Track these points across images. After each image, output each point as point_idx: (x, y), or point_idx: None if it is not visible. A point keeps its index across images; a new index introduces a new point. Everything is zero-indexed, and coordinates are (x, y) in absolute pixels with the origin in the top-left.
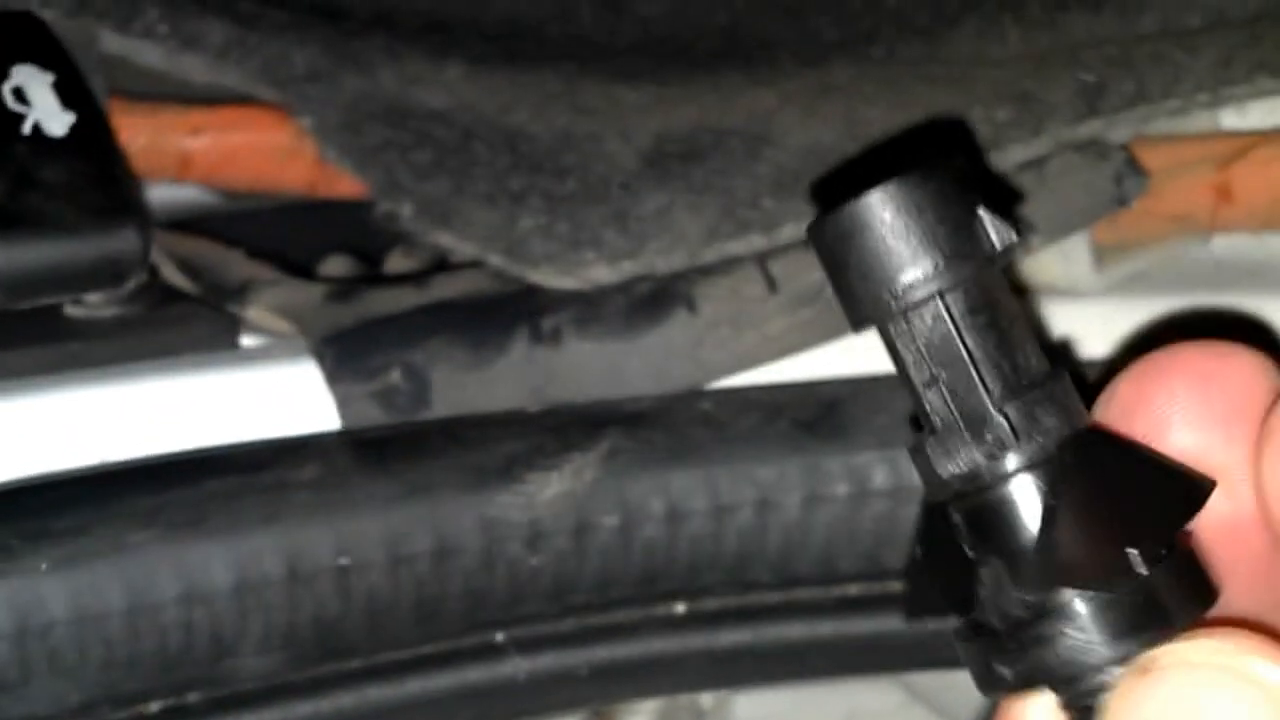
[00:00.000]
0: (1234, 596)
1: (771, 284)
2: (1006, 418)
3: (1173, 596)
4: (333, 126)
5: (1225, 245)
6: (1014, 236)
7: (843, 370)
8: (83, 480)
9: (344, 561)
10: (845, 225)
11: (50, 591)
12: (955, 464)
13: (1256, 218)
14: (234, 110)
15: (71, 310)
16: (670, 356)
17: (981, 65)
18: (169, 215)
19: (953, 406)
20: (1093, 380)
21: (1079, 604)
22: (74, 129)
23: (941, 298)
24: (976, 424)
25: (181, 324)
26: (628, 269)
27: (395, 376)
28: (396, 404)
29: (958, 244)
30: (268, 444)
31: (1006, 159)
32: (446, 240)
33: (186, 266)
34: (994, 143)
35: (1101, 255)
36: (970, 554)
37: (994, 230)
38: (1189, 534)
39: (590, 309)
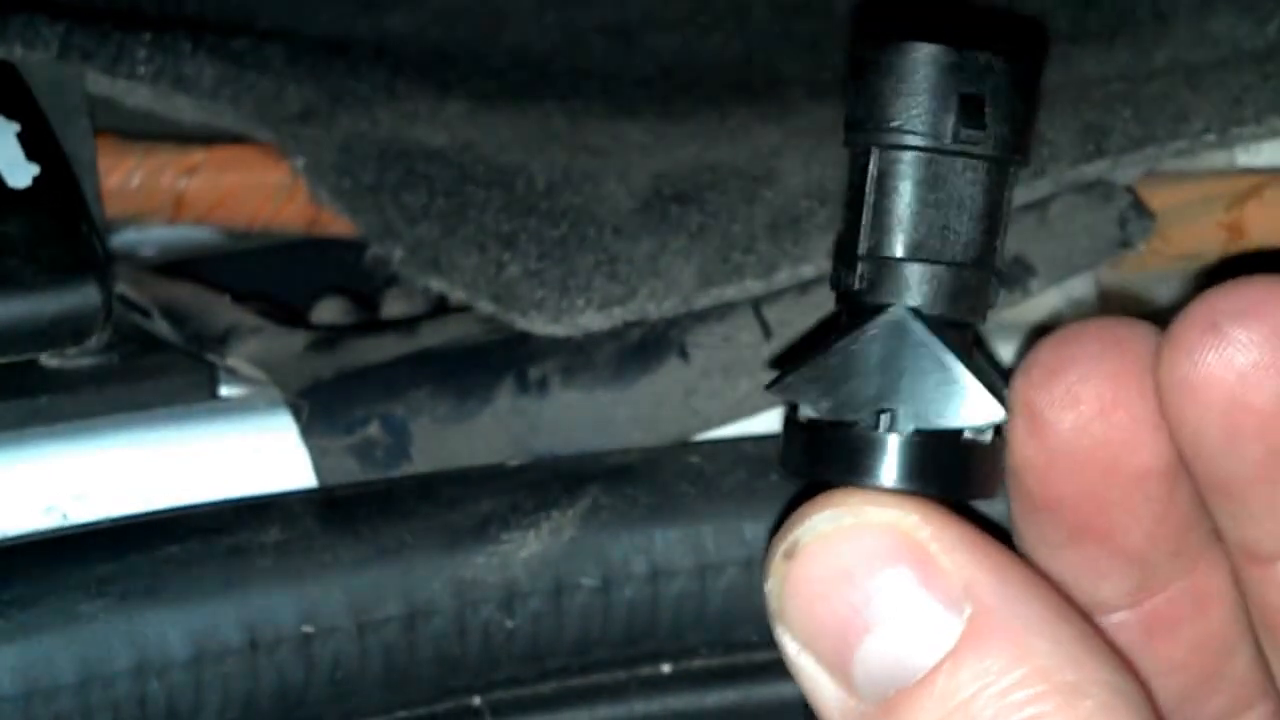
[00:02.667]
0: (1137, 544)
1: (766, 330)
2: (862, 264)
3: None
4: (325, 167)
5: None
6: (1018, 158)
7: None
8: (31, 547)
9: (308, 629)
10: (898, 56)
11: None
12: (835, 277)
13: None
14: (229, 149)
15: (47, 361)
16: (661, 406)
17: None
18: (165, 255)
19: (861, 233)
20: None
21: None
22: (37, 180)
23: (876, 153)
24: (843, 255)
25: (159, 374)
26: (619, 315)
27: (374, 430)
28: (374, 458)
29: (964, 127)
30: (229, 505)
31: None
32: (436, 285)
33: (171, 313)
34: None
35: (1107, 297)
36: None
37: (997, 137)
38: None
39: (579, 357)
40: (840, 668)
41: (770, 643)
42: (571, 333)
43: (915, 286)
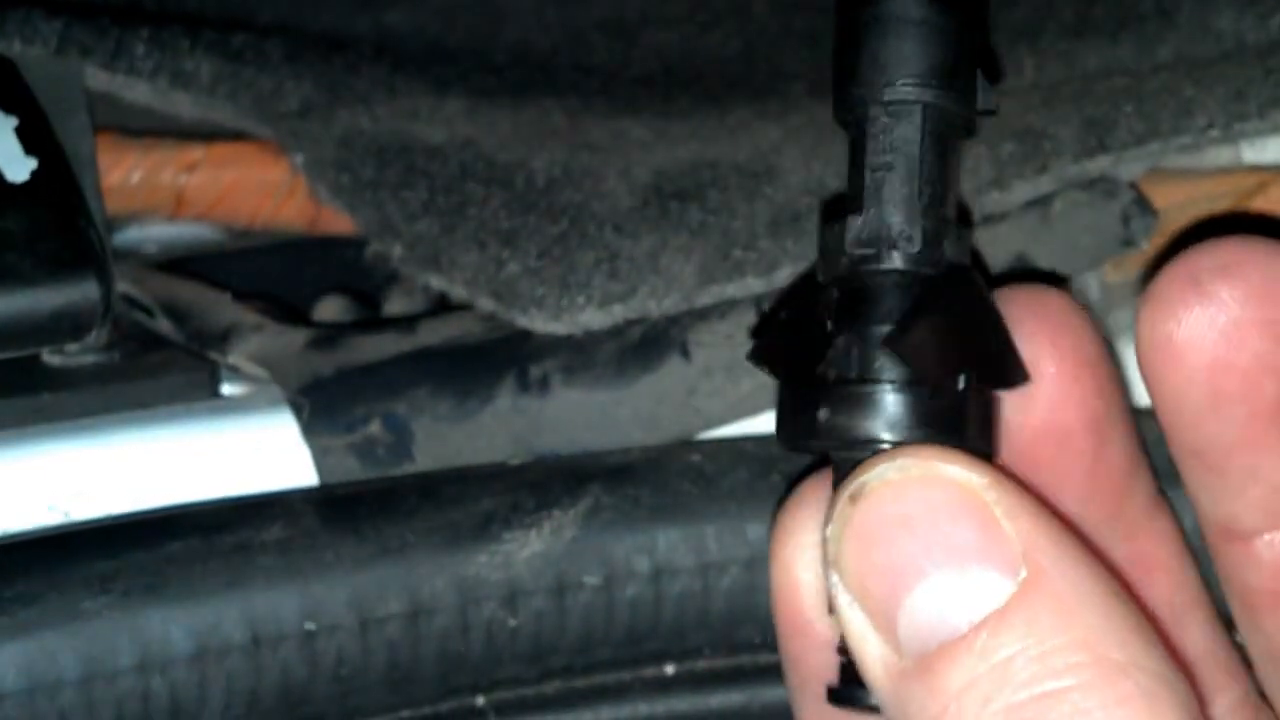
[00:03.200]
0: (1070, 506)
1: None
2: (924, 224)
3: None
4: (325, 164)
5: None
6: (992, 107)
7: None
8: (35, 544)
9: (310, 626)
10: (886, 9)
11: (2, 662)
12: (864, 244)
13: None
14: (229, 146)
15: (49, 359)
16: (662, 405)
17: None
18: (166, 252)
19: (886, 195)
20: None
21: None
22: (35, 175)
23: (924, 109)
24: (899, 217)
25: (161, 372)
26: (619, 313)
27: (375, 428)
28: (376, 456)
29: (957, 82)
30: (231, 503)
31: (1011, 196)
32: (436, 282)
33: (172, 310)
34: (997, 179)
35: (1112, 295)
36: (829, 325)
37: (983, 93)
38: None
39: (580, 356)
40: (887, 616)
41: (773, 644)
42: (572, 330)
43: (962, 243)
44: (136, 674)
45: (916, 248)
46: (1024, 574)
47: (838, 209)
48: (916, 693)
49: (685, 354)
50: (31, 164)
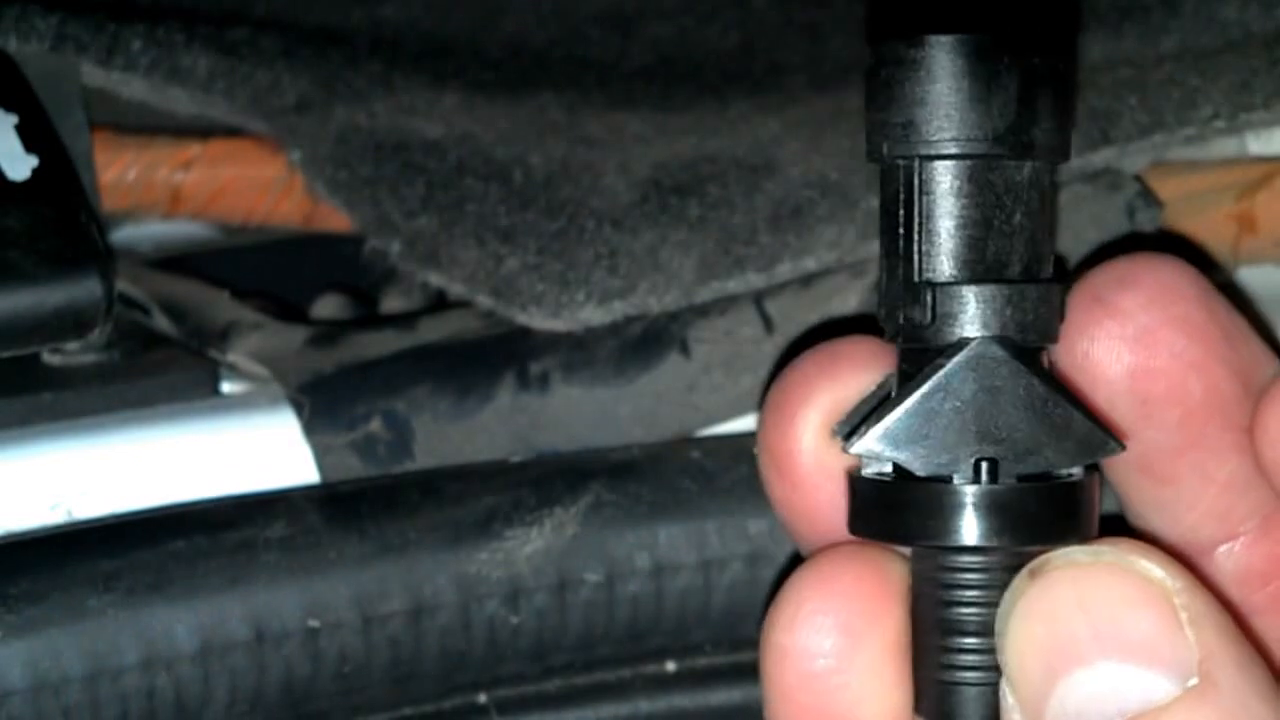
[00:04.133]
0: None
1: (768, 324)
2: (932, 295)
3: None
4: (321, 160)
5: (1250, 277)
6: (1061, 158)
7: None
8: (39, 543)
9: (314, 623)
10: (940, 51)
11: (7, 660)
12: (881, 310)
13: None
14: (225, 143)
15: (49, 358)
16: (662, 402)
17: None
18: (162, 250)
19: (901, 261)
20: None
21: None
22: (36, 173)
23: (959, 160)
24: (903, 290)
25: (161, 370)
26: (619, 309)
27: (376, 426)
28: (377, 454)
29: (1006, 126)
30: (233, 501)
31: None
32: (435, 279)
33: (171, 309)
34: None
35: None
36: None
37: (1046, 132)
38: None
39: (580, 353)
40: (1038, 696)
41: None
42: (571, 327)
43: (991, 314)
44: (141, 671)
45: (922, 320)
46: (1194, 683)
47: None
48: None
49: (685, 351)
50: (33, 162)
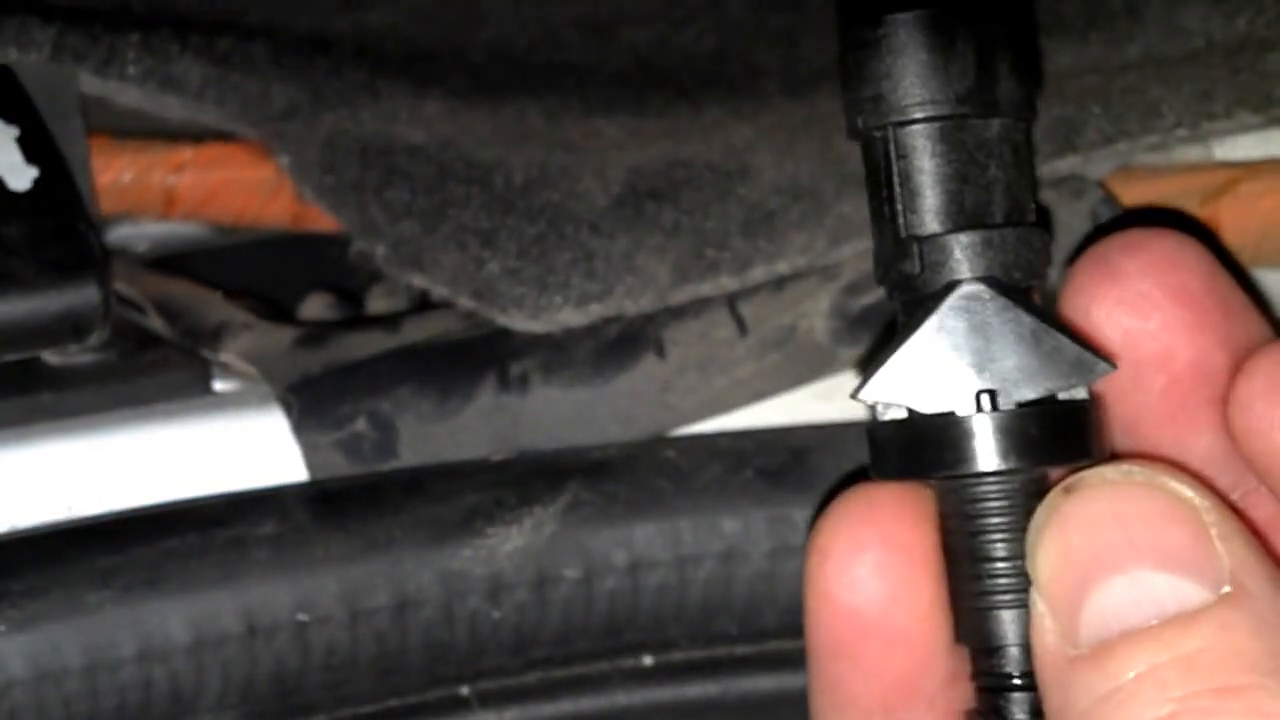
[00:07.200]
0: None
1: (741, 326)
2: (919, 248)
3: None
4: (309, 165)
5: None
6: (1028, 114)
7: (812, 416)
8: (40, 540)
9: (303, 617)
10: (899, 28)
11: (10, 652)
12: (878, 270)
13: (1246, 252)
14: (217, 147)
15: (49, 358)
16: (637, 402)
17: None
18: (156, 250)
19: (888, 222)
20: None
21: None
22: (37, 183)
23: (928, 123)
24: (893, 248)
25: (156, 370)
26: (596, 312)
27: (362, 425)
28: (363, 453)
29: (967, 89)
30: (225, 499)
31: None
32: (418, 282)
33: (165, 309)
34: None
35: None
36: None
37: (1008, 91)
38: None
39: (558, 354)
40: (1072, 603)
41: (749, 636)
42: (550, 329)
43: (974, 256)
44: (137, 663)
45: (913, 270)
46: (1227, 590)
47: None
48: (1086, 675)
49: (660, 352)
50: (33, 173)
